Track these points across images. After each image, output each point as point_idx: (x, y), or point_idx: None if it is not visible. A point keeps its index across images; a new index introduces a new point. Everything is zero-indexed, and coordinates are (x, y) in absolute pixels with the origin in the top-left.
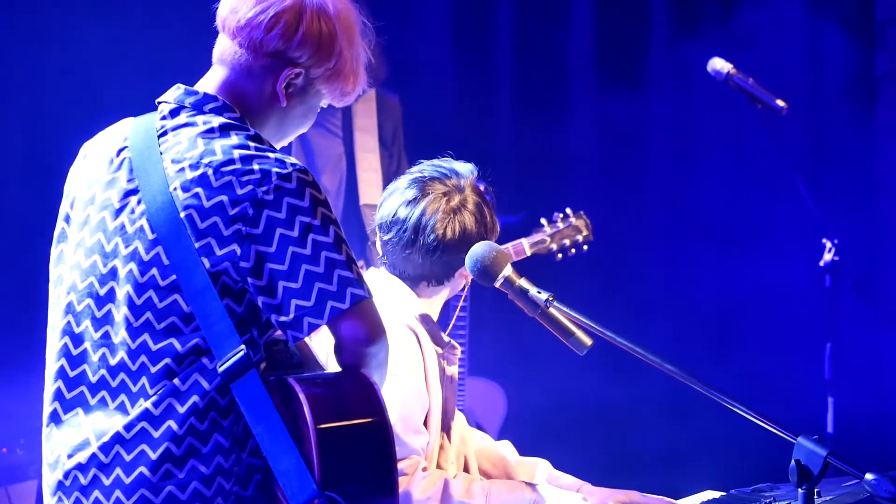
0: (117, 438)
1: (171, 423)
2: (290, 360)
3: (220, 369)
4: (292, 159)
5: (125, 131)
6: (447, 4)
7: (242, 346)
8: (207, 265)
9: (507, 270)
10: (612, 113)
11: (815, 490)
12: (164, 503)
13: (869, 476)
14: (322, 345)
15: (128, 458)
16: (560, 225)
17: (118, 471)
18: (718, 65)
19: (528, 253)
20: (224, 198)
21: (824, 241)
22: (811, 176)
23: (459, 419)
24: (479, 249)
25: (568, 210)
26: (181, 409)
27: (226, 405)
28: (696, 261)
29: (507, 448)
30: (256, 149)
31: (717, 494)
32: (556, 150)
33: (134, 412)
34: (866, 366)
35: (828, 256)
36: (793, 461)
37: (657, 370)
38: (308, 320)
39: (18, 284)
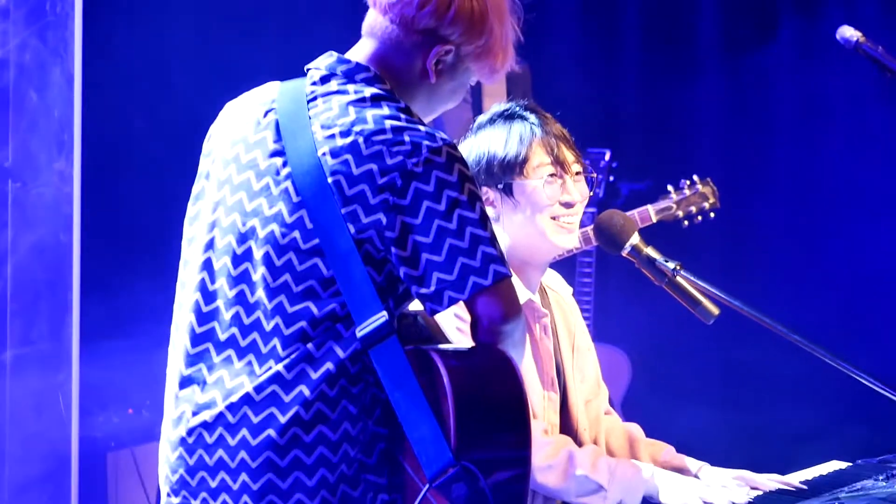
0: (246, 399)
1: (303, 389)
2: (418, 333)
3: (360, 334)
4: (443, 134)
5: (272, 94)
6: None
7: (384, 312)
8: (352, 231)
9: (635, 239)
10: (738, 78)
11: None
12: (289, 466)
13: None
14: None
15: (255, 419)
16: (686, 192)
17: (244, 432)
18: (847, 33)
19: (654, 220)
20: (373, 166)
21: None
22: None
23: (602, 397)
24: (605, 217)
25: (695, 177)
26: (314, 375)
27: (356, 373)
28: (821, 229)
29: (634, 428)
30: (407, 120)
31: (843, 465)
32: (683, 116)
33: (264, 374)
34: None
35: None
36: None
37: (783, 341)
38: (449, 294)
39: (150, 244)
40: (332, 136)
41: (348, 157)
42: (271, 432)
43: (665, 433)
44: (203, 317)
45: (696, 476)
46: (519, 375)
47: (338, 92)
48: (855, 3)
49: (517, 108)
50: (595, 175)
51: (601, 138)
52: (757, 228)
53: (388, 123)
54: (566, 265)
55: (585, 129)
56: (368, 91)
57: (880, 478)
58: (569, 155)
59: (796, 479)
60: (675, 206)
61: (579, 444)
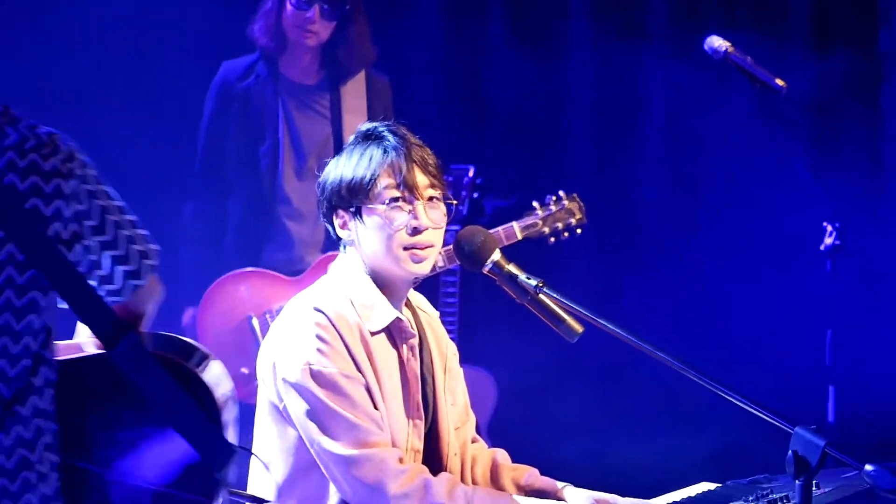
0: None
1: None
2: None
3: None
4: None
5: None
6: None
7: None
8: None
9: (496, 255)
10: (607, 92)
11: (814, 481)
12: None
13: (868, 467)
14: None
15: None
16: (552, 208)
17: None
18: (716, 42)
19: (520, 237)
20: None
21: (825, 224)
22: (812, 158)
23: (469, 424)
24: (465, 234)
25: (561, 193)
26: None
27: None
28: (691, 243)
29: (500, 454)
30: None
31: (713, 486)
32: (550, 131)
33: None
34: (868, 353)
35: (828, 240)
36: (790, 452)
37: (653, 359)
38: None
39: None
40: None
41: None
42: None
43: (532, 457)
44: None
45: (558, 497)
46: None
47: None
48: (731, 10)
49: (379, 129)
50: (455, 202)
51: (465, 154)
52: (626, 245)
53: None
54: (429, 285)
55: (449, 144)
56: None
57: (750, 498)
58: (422, 179)
59: (664, 501)
60: (540, 222)
61: (448, 469)
